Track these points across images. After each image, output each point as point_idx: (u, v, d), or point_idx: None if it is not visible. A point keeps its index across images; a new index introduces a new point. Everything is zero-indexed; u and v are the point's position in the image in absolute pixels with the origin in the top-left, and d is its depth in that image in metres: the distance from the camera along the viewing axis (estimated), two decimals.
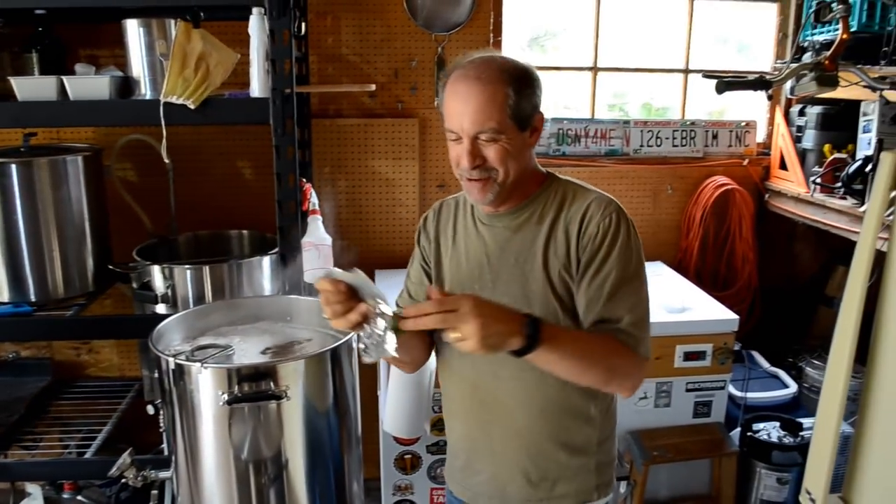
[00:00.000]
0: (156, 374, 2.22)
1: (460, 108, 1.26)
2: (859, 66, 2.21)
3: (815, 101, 2.88)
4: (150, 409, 2.36)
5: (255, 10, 1.93)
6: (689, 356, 2.48)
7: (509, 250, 1.37)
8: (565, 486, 1.42)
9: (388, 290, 1.31)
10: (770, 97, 3.12)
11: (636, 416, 2.51)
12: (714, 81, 2.13)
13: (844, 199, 2.59)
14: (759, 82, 2.12)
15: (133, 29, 2.06)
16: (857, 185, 2.50)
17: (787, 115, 3.05)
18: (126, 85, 2.11)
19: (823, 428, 0.96)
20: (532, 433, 1.40)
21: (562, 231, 1.33)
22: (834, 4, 2.27)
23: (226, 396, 1.35)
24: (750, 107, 3.24)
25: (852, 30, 2.28)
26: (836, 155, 2.68)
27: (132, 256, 2.25)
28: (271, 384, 1.38)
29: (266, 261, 2.25)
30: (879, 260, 0.96)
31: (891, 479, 0.93)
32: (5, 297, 2.14)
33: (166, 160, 2.03)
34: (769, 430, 2.67)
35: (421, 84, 2.84)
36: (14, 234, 2.09)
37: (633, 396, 1.98)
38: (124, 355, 2.88)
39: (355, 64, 2.80)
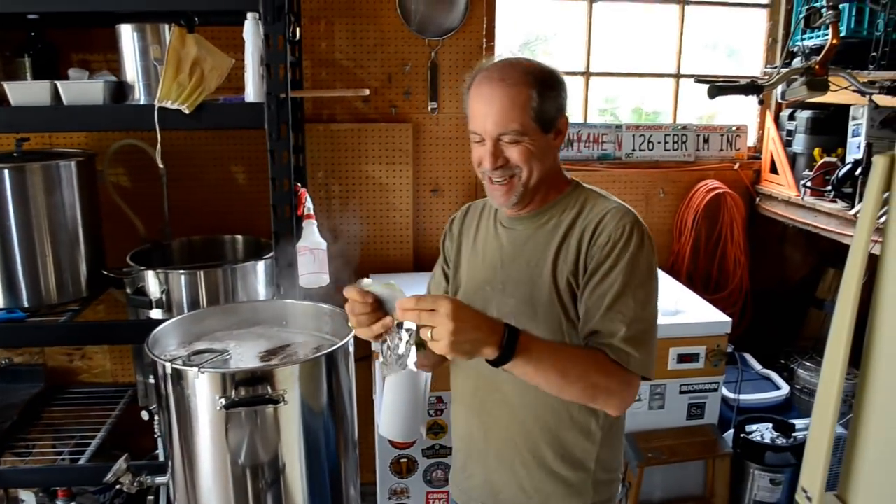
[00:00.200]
0: (150, 380, 2.22)
1: (484, 110, 1.26)
2: (849, 70, 2.25)
3: (804, 106, 2.91)
4: (145, 415, 2.36)
5: (249, 15, 1.93)
6: (682, 358, 2.49)
7: (523, 254, 1.36)
8: (559, 500, 1.38)
9: None
10: (761, 101, 3.16)
11: (630, 418, 2.45)
12: (706, 86, 2.16)
13: (834, 202, 2.62)
14: (750, 87, 2.15)
15: (127, 34, 2.06)
16: (847, 189, 2.53)
17: (777, 119, 3.08)
18: (120, 90, 2.11)
19: (819, 426, 0.97)
20: (528, 440, 1.37)
21: (575, 238, 1.31)
22: (824, 10, 2.30)
23: (223, 401, 1.35)
24: (740, 111, 3.27)
25: (842, 35, 2.30)
26: (826, 158, 2.71)
27: (126, 262, 2.23)
28: (268, 388, 1.37)
29: (261, 265, 2.24)
30: (871, 262, 0.97)
31: (886, 476, 0.95)
32: None
33: (160, 165, 2.03)
34: (762, 432, 2.69)
35: (414, 89, 2.85)
36: (7, 240, 2.08)
37: None
38: (117, 361, 2.87)
39: (349, 69, 2.80)
